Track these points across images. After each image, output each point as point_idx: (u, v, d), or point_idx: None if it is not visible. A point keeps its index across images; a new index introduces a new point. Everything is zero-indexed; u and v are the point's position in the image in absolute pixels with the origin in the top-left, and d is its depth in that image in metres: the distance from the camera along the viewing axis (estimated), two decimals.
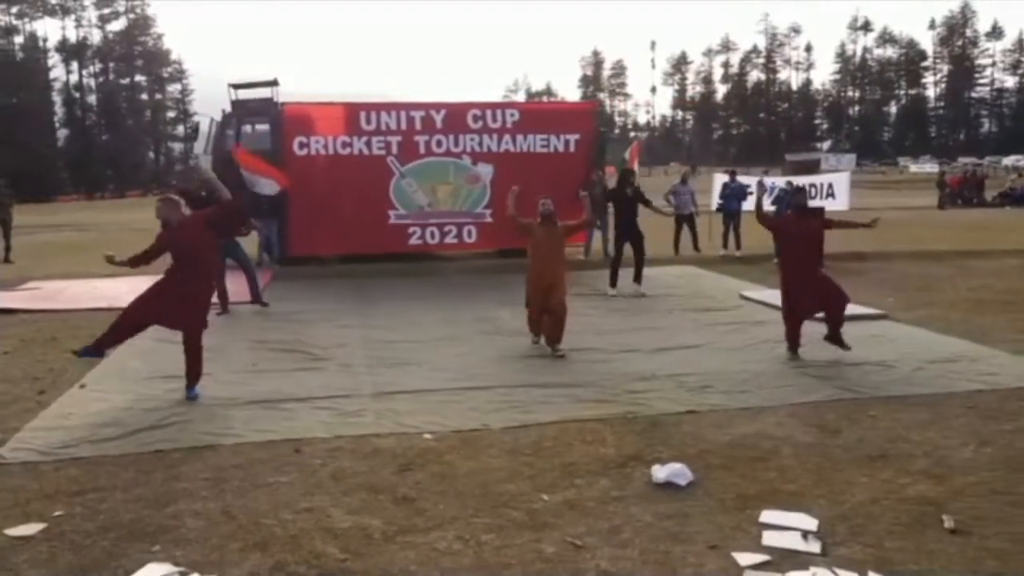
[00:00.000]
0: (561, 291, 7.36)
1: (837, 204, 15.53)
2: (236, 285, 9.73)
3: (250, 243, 13.33)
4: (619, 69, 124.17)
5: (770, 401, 5.88)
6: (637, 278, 10.68)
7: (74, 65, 75.78)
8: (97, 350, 5.97)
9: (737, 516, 3.97)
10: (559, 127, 13.37)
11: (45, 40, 75.77)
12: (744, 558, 3.52)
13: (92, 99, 76.73)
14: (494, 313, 9.41)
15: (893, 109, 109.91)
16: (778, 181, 15.48)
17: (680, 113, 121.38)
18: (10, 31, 69.97)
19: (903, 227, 20.69)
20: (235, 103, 13.58)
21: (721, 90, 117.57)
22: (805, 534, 3.74)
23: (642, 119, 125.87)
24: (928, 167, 61.50)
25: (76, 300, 10.12)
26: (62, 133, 75.93)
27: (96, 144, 73.61)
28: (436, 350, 7.62)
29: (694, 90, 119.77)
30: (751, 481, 4.42)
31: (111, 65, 78.16)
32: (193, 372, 5.96)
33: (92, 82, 78.75)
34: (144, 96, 79.53)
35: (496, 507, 4.09)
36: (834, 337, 7.18)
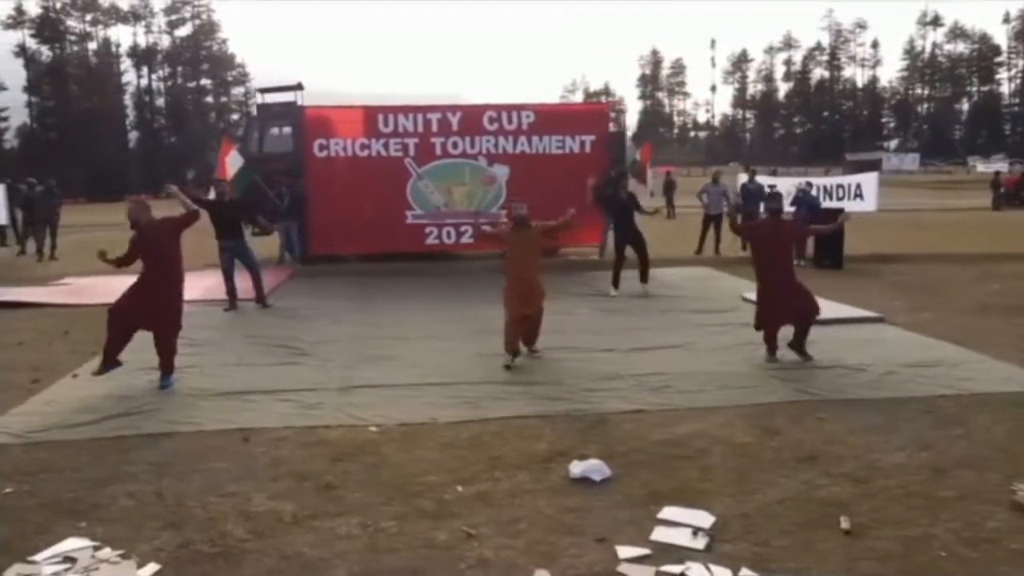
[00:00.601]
0: (540, 296, 7.26)
1: (865, 205, 15.19)
2: (245, 282, 10.08)
3: (273, 243, 13.85)
4: (678, 68, 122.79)
5: (725, 402, 5.91)
6: (644, 278, 10.70)
7: (144, 70, 78.71)
8: (111, 364, 6.28)
9: (638, 512, 4.06)
10: (574, 128, 13.48)
11: (118, 46, 78.89)
12: (625, 551, 3.62)
13: (160, 102, 79.48)
14: (492, 312, 9.54)
15: (965, 106, 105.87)
16: (795, 182, 15.21)
17: (740, 112, 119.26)
18: (84, 38, 73.16)
19: (945, 228, 20.14)
20: (260, 107, 14.06)
21: (783, 88, 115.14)
22: (696, 531, 3.81)
23: (701, 118, 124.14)
24: (997, 167, 59.20)
25: (99, 296, 10.61)
26: (133, 135, 78.86)
27: (163, 146, 76.30)
28: (419, 347, 7.83)
29: (755, 88, 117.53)
30: (668, 479, 4.49)
31: (179, 69, 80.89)
32: (166, 365, 6.29)
33: (161, 86, 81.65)
34: (209, 99, 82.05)
35: (409, 497, 4.27)
36: (797, 344, 7.11)
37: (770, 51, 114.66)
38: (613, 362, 7.11)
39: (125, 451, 4.98)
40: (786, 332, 7.17)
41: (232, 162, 12.51)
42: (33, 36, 68.67)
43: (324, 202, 13.21)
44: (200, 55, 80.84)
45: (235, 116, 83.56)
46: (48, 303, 10.39)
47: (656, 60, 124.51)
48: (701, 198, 15.15)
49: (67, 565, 3.51)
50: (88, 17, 73.14)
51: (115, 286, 11.47)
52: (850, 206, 15.17)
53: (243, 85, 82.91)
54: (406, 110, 13.39)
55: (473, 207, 13.54)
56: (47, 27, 69.56)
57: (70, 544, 3.70)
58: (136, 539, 3.78)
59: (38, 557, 3.58)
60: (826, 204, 14.77)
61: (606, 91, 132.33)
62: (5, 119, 72.69)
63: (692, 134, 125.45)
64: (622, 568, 3.48)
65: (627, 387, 6.27)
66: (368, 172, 13.22)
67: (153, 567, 3.51)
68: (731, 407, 5.78)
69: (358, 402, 5.93)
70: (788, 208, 13.58)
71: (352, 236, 13.39)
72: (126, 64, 78.85)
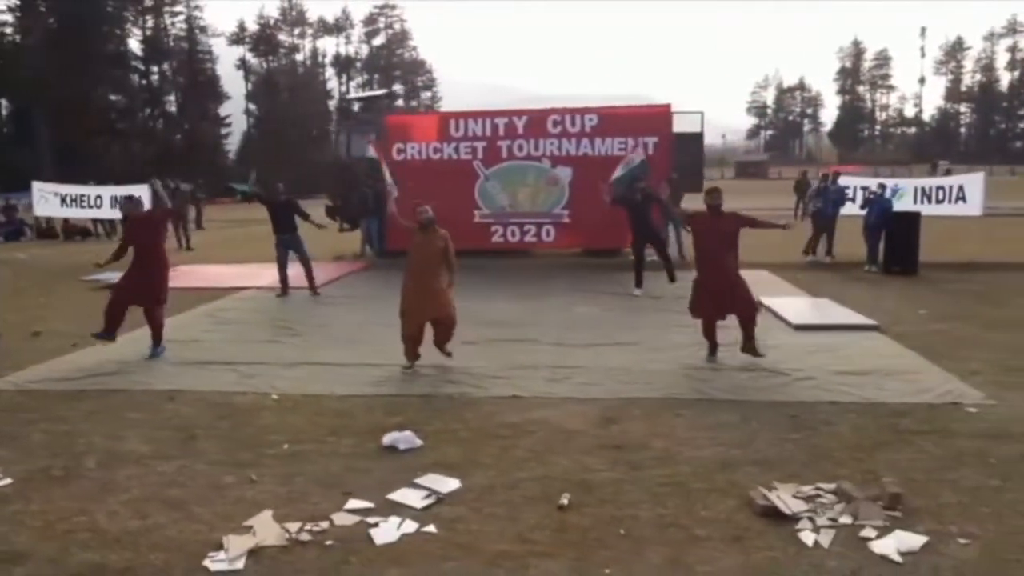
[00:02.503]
0: (444, 301, 7.01)
1: (968, 209, 14.04)
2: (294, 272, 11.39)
3: (355, 239, 15.24)
4: (882, 59, 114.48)
5: (604, 394, 6.22)
6: (670, 277, 10.81)
7: (344, 77, 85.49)
8: (108, 333, 7.65)
9: (406, 476, 4.60)
10: (636, 131, 13.68)
11: (323, 56, 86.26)
12: (352, 503, 4.25)
13: (357, 108, 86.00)
14: (502, 306, 10.18)
15: None
16: (870, 182, 14.28)
17: (954, 106, 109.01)
18: (293, 50, 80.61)
19: None
20: (349, 115, 15.47)
21: (1005, 78, 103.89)
22: (430, 494, 4.35)
23: (909, 112, 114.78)
24: None
25: (186, 280, 12.43)
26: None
27: None
28: (390, 335, 8.38)
29: (972, 79, 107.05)
30: (462, 453, 5.00)
31: (374, 76, 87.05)
32: (156, 335, 7.55)
33: (360, 92, 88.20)
34: (400, 103, 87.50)
35: (241, 449, 5.12)
36: (746, 346, 7.14)
37: (990, 38, 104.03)
38: (547, 354, 7.55)
39: (77, 401, 6.23)
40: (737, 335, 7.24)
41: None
42: (251, 51, 76.68)
43: (401, 201, 14.33)
44: (393, 62, 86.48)
45: None
46: None
47: (858, 51, 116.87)
48: (814, 202, 14.83)
49: None
50: (296, 31, 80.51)
51: (204, 273, 13.42)
52: (951, 209, 14.20)
53: (430, 89, 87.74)
54: (475, 115, 14.23)
55: (537, 207, 14.14)
56: (263, 42, 77.35)
57: None
58: (19, 462, 4.91)
59: None
60: (923, 208, 13.87)
61: (801, 86, 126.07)
62: (228, 125, 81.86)
63: (897, 130, 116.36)
64: (335, 515, 4.12)
65: (528, 377, 6.72)
66: (440, 174, 14.18)
67: (5, 481, 4.61)
68: (601, 399, 6.10)
69: (291, 375, 6.87)
70: (859, 211, 13.07)
71: None
72: (329, 73, 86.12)
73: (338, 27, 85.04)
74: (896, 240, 12.45)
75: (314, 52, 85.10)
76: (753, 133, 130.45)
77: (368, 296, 11.15)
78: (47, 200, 17.18)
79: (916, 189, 14.43)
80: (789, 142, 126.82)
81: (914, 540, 3.75)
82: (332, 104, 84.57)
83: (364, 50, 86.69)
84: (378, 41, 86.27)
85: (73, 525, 4.05)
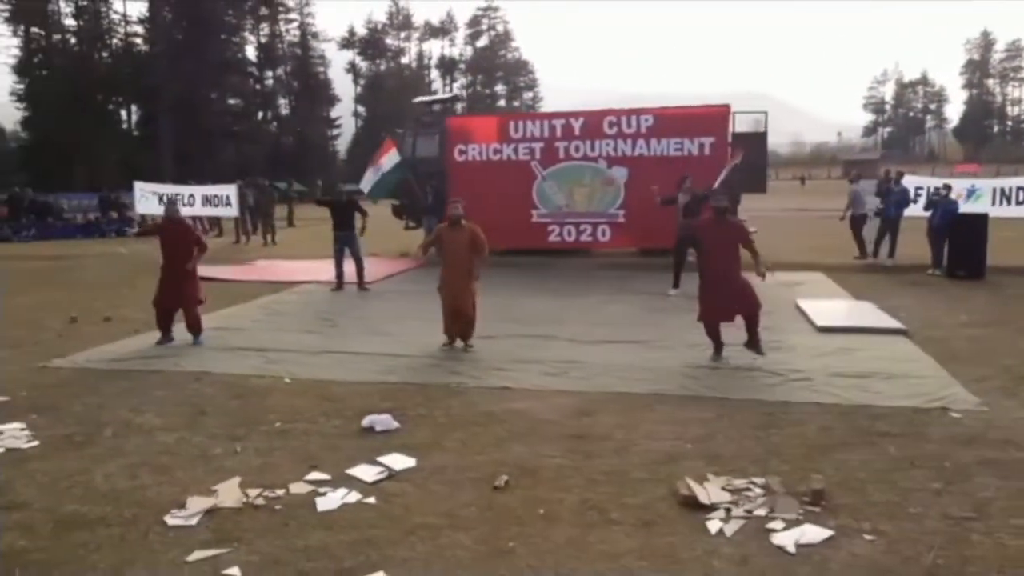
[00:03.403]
0: (468, 296, 7.72)
1: None
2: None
3: (418, 236, 15.84)
4: (1014, 51, 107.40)
5: (588, 387, 6.46)
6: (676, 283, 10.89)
7: (448, 79, 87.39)
8: (165, 339, 8.36)
9: (370, 455, 5.00)
10: (693, 131, 13.69)
11: (429, 58, 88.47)
12: (313, 475, 4.69)
13: (459, 108, 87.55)
14: (538, 303, 10.49)
15: None
16: (935, 183, 13.61)
17: None
18: (398, 53, 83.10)
19: None
20: (414, 118, 16.11)
21: None
22: (385, 471, 4.74)
23: None
24: None
25: (259, 274, 13.32)
26: None
27: None
28: (420, 327, 8.82)
29: None
30: (432, 436, 5.36)
31: (477, 77, 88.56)
32: (194, 328, 8.25)
33: (464, 93, 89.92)
34: (502, 103, 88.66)
35: (240, 426, 5.62)
36: (750, 342, 7.22)
37: None
38: (556, 349, 7.82)
39: (121, 379, 6.96)
40: (741, 335, 7.33)
41: (389, 159, 14.76)
42: (359, 54, 79.47)
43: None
44: (496, 63, 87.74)
45: None
46: (220, 278, 13.23)
47: (987, 43, 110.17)
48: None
49: None
50: (403, 34, 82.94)
51: (280, 268, 14.30)
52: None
53: (532, 90, 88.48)
54: (534, 117, 14.57)
55: (592, 207, 14.34)
56: (371, 46, 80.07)
57: (7, 427, 5.63)
58: (50, 428, 5.62)
59: None
60: (1003, 210, 13.24)
61: (923, 80, 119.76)
62: (339, 127, 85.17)
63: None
64: (293, 484, 4.57)
65: (527, 370, 7.01)
66: (499, 174, 14.60)
67: (34, 443, 5.31)
68: (587, 392, 6.34)
69: (312, 362, 7.42)
70: (923, 212, 12.65)
71: (484, 232, 14.84)
72: (434, 74, 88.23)
73: (443, 30, 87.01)
74: (961, 243, 11.97)
75: (420, 55, 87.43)
76: (870, 131, 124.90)
77: (413, 292, 11.65)
78: (147, 198, 18.66)
79: (995, 190, 13.73)
80: (910, 140, 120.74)
81: (818, 534, 3.86)
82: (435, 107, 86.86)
83: (468, 51, 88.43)
84: (481, 43, 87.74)
85: (73, 482, 4.66)
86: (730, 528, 3.94)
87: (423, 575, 3.56)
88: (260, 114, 68.17)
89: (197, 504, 4.27)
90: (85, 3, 54.98)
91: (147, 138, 55.25)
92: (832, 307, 9.47)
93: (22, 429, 5.60)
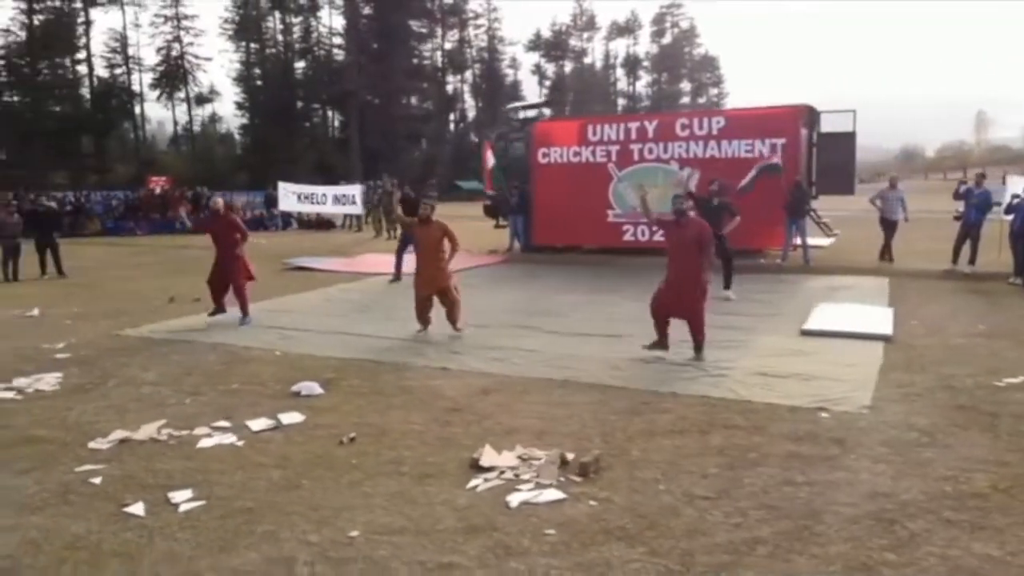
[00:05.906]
0: (443, 282, 8.67)
1: None
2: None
3: (503, 234, 16.85)
4: None
5: (516, 372, 7.14)
6: (726, 284, 10.98)
7: (631, 78, 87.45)
8: (217, 309, 9.97)
9: (278, 411, 6.11)
10: (764, 132, 13.62)
11: (615, 57, 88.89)
12: (220, 423, 5.86)
13: (642, 106, 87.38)
14: (562, 298, 11.14)
15: None
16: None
17: None
18: (581, 54, 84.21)
19: None
20: (506, 122, 17.09)
21: None
22: (277, 425, 5.82)
23: None
24: None
25: (351, 266, 14.93)
26: None
27: None
28: (434, 315, 9.73)
29: None
30: (326, 401, 6.35)
31: (663, 75, 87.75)
32: (242, 308, 9.75)
33: (646, 91, 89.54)
34: (685, 100, 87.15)
35: (204, 385, 6.93)
36: (694, 345, 7.55)
37: None
38: (527, 339, 8.51)
39: (178, 351, 8.37)
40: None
41: (489, 161, 16.09)
42: (543, 56, 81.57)
43: (544, 201, 15.71)
44: (682, 60, 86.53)
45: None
46: (316, 268, 14.96)
47: None
48: (875, 203, 14.50)
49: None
50: (586, 35, 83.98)
51: (365, 260, 15.83)
52: None
53: (717, 86, 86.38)
54: (610, 120, 15.10)
55: (665, 208, 14.57)
56: (555, 47, 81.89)
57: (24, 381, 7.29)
58: (77, 378, 7.24)
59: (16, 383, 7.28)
60: None
61: None
62: None
63: None
64: (197, 428, 5.76)
65: (477, 356, 7.79)
66: (578, 175, 15.29)
67: (56, 388, 6.92)
68: (507, 375, 7.04)
69: (314, 341, 8.66)
70: (1005, 216, 11.92)
71: (564, 231, 15.66)
72: (619, 73, 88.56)
73: (628, 28, 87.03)
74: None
75: (606, 54, 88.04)
76: None
77: (471, 285, 12.59)
78: (287, 197, 21.08)
79: None
80: None
81: (549, 496, 4.44)
82: (620, 104, 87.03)
83: (654, 49, 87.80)
84: (666, 40, 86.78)
85: (58, 416, 6.14)
86: (486, 486, 4.61)
87: (218, 493, 4.57)
88: (448, 116, 72.29)
89: (116, 435, 5.58)
90: (298, 20, 61.50)
91: (343, 141, 60.71)
92: (838, 312, 9.37)
93: (57, 377, 7.27)
